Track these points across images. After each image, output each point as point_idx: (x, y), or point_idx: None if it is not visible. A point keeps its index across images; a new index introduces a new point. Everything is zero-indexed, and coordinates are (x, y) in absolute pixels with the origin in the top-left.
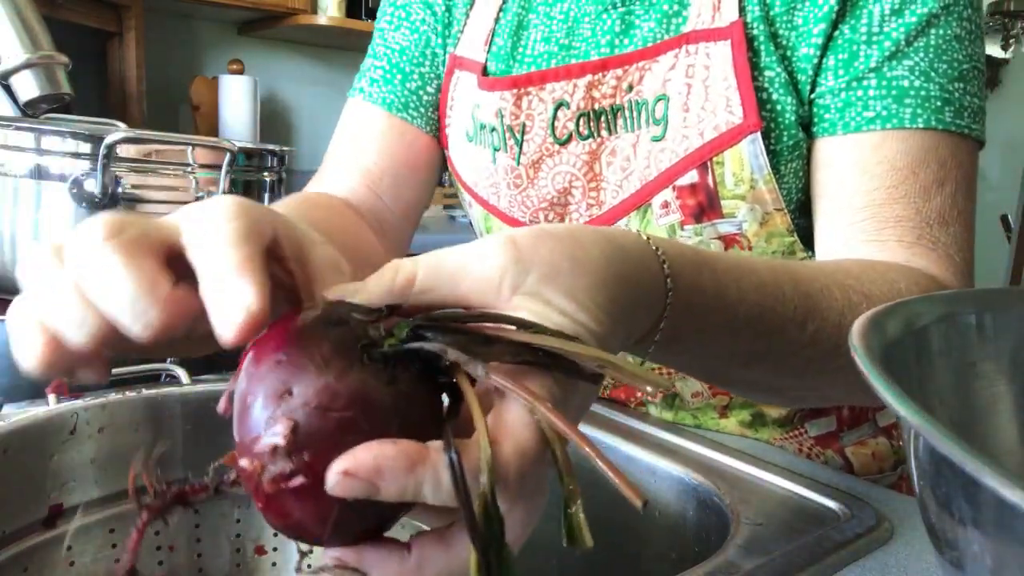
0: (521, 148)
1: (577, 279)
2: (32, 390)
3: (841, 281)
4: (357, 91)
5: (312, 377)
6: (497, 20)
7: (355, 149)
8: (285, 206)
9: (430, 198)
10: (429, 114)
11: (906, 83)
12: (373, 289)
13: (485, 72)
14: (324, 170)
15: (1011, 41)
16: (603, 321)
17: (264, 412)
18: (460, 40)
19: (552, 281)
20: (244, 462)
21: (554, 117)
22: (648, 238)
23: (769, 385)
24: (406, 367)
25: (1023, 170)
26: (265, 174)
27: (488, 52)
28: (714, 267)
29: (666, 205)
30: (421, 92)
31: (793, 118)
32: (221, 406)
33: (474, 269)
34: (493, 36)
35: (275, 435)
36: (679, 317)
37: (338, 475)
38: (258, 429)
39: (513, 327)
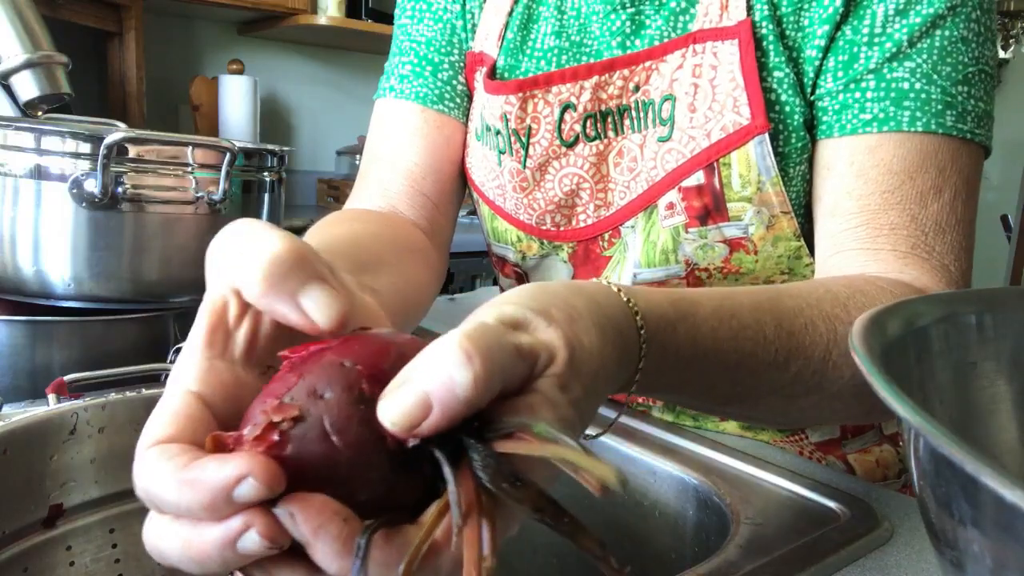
0: (527, 151)
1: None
2: (32, 390)
3: (828, 312)
4: (387, 91)
5: (345, 398)
6: (510, 14)
7: (393, 151)
8: (313, 237)
9: (465, 191)
10: (464, 104)
11: (906, 85)
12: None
13: (493, 72)
14: (363, 178)
15: (1011, 41)
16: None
17: (289, 389)
18: (476, 35)
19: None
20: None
21: (560, 119)
22: (627, 297)
23: (751, 417)
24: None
25: (1023, 170)
26: (265, 174)
27: (500, 47)
28: (692, 319)
29: (671, 207)
30: (454, 82)
31: (801, 120)
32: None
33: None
34: (505, 29)
35: (276, 411)
36: (652, 372)
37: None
38: (274, 394)
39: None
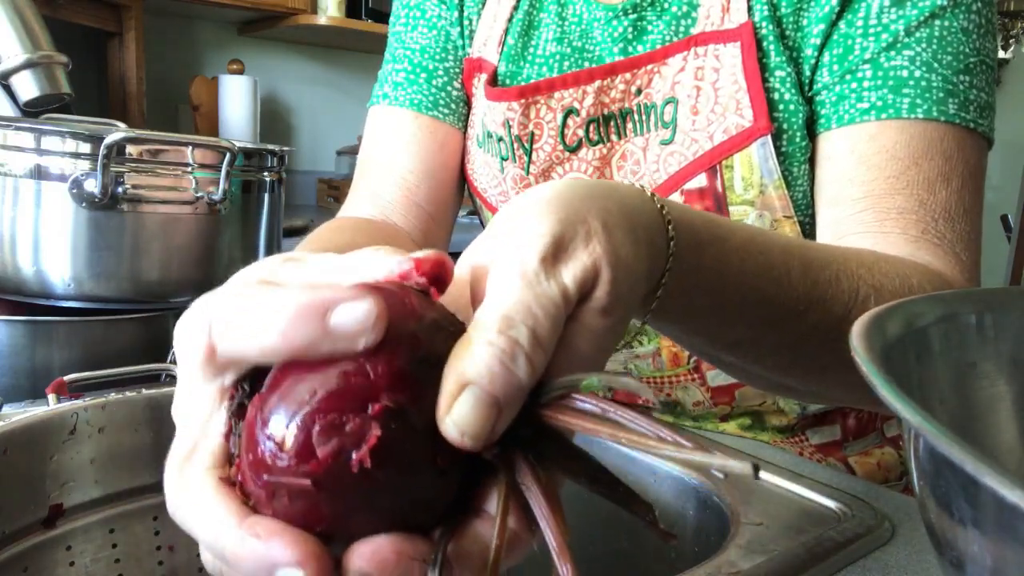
0: (530, 157)
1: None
2: (32, 390)
3: (853, 271)
4: (380, 98)
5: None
6: (510, 20)
7: (387, 158)
8: (311, 245)
9: (463, 197)
10: (460, 110)
11: (904, 73)
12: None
13: (494, 78)
14: (357, 187)
15: (1011, 41)
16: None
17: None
18: (474, 42)
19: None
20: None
21: (563, 124)
22: (661, 205)
23: (757, 374)
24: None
25: (1023, 170)
26: (265, 174)
27: (500, 53)
28: (723, 244)
29: None
30: (449, 88)
31: (803, 119)
32: None
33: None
34: (505, 35)
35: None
36: (672, 294)
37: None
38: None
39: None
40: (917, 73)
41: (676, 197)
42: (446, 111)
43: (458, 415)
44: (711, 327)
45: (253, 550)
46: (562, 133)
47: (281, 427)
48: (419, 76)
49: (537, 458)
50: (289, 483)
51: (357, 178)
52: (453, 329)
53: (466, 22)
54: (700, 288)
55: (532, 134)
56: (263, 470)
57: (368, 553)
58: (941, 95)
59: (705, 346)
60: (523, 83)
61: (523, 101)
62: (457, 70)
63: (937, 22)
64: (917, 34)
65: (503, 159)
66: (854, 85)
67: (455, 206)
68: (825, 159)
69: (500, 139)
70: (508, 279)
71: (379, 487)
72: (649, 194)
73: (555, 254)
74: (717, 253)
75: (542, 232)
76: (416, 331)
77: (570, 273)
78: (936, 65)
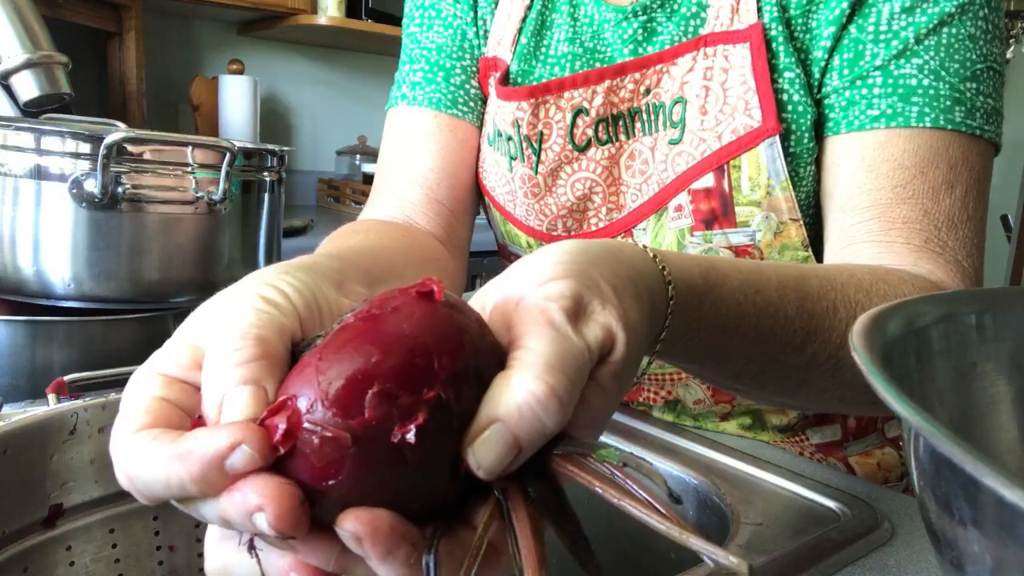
0: (539, 157)
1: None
2: (32, 390)
3: (851, 297)
4: (399, 99)
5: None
6: (523, 20)
7: (407, 159)
8: (327, 248)
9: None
10: (478, 108)
11: (913, 82)
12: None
13: (506, 77)
14: (378, 188)
15: (1011, 41)
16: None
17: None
18: (489, 41)
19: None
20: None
21: (573, 124)
22: (662, 266)
23: (760, 395)
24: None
25: (1023, 170)
26: (265, 174)
27: (513, 52)
28: (719, 291)
29: (680, 209)
30: (467, 86)
31: (811, 120)
32: None
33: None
34: (519, 35)
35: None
36: (674, 341)
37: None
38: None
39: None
40: (925, 82)
41: (683, 196)
42: (464, 109)
43: (480, 449)
44: (711, 364)
45: (202, 440)
46: (571, 133)
47: (340, 378)
48: (437, 75)
49: (533, 496)
50: (329, 429)
51: (377, 180)
52: (500, 357)
53: (480, 22)
54: (700, 334)
55: (541, 134)
56: (308, 411)
57: (366, 518)
58: (948, 103)
59: (711, 377)
60: (534, 83)
61: (533, 101)
62: (474, 68)
63: (945, 29)
64: (926, 42)
65: (512, 159)
66: (864, 91)
67: (475, 205)
68: (834, 164)
69: (509, 138)
70: (541, 328)
71: (403, 465)
72: (651, 255)
73: (576, 313)
74: (715, 300)
75: (563, 291)
76: (479, 346)
77: (592, 334)
78: (943, 73)
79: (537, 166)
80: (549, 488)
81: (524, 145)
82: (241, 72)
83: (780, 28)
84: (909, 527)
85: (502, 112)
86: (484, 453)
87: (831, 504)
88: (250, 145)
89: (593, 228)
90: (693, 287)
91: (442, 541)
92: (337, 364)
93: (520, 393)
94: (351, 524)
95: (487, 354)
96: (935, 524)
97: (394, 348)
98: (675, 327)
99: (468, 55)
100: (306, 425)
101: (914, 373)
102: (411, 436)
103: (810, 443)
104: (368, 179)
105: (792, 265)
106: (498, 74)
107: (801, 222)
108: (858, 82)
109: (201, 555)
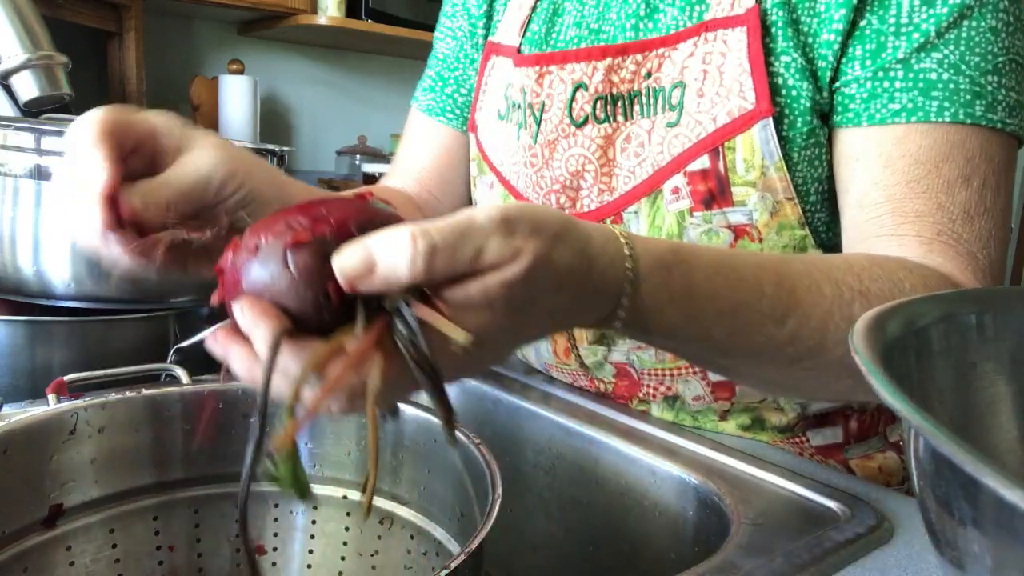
0: (539, 127)
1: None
2: (32, 390)
3: (838, 278)
4: (413, 99)
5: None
6: (534, 8)
7: (409, 152)
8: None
9: (471, 199)
10: (465, 114)
11: (934, 76)
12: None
13: (519, 52)
14: (390, 171)
15: None
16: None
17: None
18: (498, 28)
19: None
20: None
21: (572, 98)
22: (625, 239)
23: (751, 374)
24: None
25: (1023, 170)
26: None
27: (523, 37)
28: (689, 263)
29: (676, 191)
30: (456, 95)
31: (808, 104)
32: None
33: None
34: (529, 23)
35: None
36: (647, 311)
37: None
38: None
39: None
40: (945, 76)
41: (679, 178)
42: (451, 116)
43: (341, 255)
44: (695, 337)
45: None
46: (570, 106)
47: (273, 219)
48: (437, 84)
49: (394, 328)
50: (250, 242)
51: (393, 162)
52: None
53: (494, 12)
54: (672, 303)
55: (543, 104)
56: (250, 235)
57: (258, 305)
58: (968, 97)
59: (698, 355)
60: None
61: (537, 69)
62: (465, 77)
63: (965, 23)
64: (946, 36)
65: (520, 127)
66: (886, 84)
67: (466, 197)
68: (851, 158)
69: (518, 106)
70: (464, 216)
71: (287, 272)
72: (616, 232)
73: (500, 229)
74: (686, 271)
75: (501, 210)
76: (383, 218)
77: (496, 243)
78: (964, 67)
79: (537, 135)
80: (410, 331)
81: (527, 113)
82: (241, 72)
83: (782, 13)
84: (909, 527)
85: (515, 82)
86: (342, 259)
87: (831, 504)
88: (250, 145)
89: (585, 210)
90: (661, 259)
91: (297, 338)
92: (277, 215)
93: (389, 233)
94: (240, 299)
95: (385, 224)
96: (935, 524)
97: (311, 208)
98: (645, 297)
99: (462, 66)
100: (233, 255)
101: (914, 373)
102: (292, 249)
103: (810, 444)
104: (368, 179)
105: (776, 254)
106: (507, 59)
107: (796, 200)
108: (880, 74)
109: (201, 555)
